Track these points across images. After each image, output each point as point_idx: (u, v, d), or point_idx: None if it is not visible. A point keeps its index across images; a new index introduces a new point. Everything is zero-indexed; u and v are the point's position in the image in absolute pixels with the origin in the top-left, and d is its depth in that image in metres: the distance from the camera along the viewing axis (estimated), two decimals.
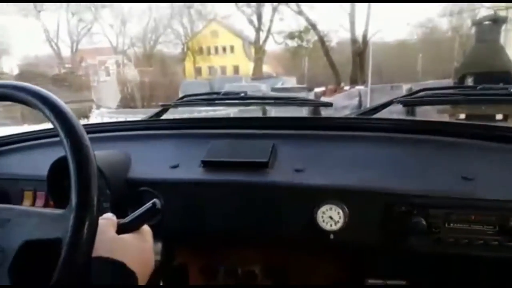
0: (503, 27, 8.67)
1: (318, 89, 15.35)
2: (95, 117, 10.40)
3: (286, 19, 26.86)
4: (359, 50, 21.10)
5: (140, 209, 0.59)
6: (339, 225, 0.85)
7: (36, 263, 0.51)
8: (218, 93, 1.46)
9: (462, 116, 6.35)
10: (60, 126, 0.51)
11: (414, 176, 0.88)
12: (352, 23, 21.36)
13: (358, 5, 20.62)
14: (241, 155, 0.98)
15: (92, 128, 1.21)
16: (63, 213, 0.50)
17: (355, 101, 10.81)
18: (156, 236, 0.63)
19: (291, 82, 17.22)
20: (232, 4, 23.54)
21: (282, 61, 27.28)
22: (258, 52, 25.10)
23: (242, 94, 1.39)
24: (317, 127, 1.11)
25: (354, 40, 21.68)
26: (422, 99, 1.23)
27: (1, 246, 0.50)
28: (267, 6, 23.06)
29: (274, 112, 6.79)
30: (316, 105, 1.47)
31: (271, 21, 23.94)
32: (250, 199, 0.92)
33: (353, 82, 19.24)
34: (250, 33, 25.99)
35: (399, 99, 1.22)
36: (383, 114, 1.22)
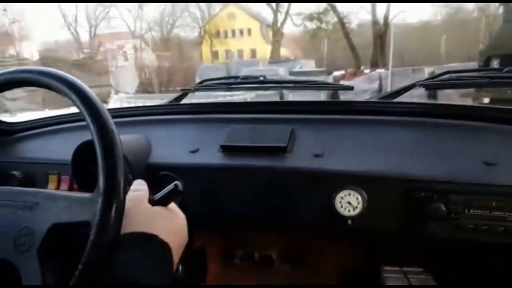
0: None
1: (337, 73, 15.12)
2: (114, 103, 10.52)
3: None
4: (380, 32, 20.59)
5: (163, 190, 0.60)
6: (357, 210, 0.85)
7: (64, 246, 0.53)
8: (237, 77, 1.46)
9: (486, 100, 6.16)
10: (87, 111, 0.52)
11: (434, 161, 0.86)
12: (374, 4, 20.79)
13: None
14: (260, 140, 0.98)
15: (113, 113, 1.23)
16: (91, 196, 0.51)
17: (375, 85, 10.61)
18: None
19: (309, 65, 17.00)
20: None
21: (301, 43, 26.90)
22: (276, 34, 24.78)
23: (261, 78, 1.38)
24: (336, 111, 1.10)
25: (375, 22, 21.15)
26: (446, 82, 1.20)
27: (30, 229, 0.52)
28: None
29: (291, 96, 6.75)
30: (337, 88, 1.45)
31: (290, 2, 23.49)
32: (268, 184, 0.93)
33: (374, 65, 18.85)
34: (268, 15, 25.64)
35: (422, 82, 1.19)
36: (404, 98, 1.20)
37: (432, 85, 1.25)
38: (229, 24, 27.17)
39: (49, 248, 0.51)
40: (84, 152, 0.91)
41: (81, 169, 0.93)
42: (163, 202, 0.59)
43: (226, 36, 27.78)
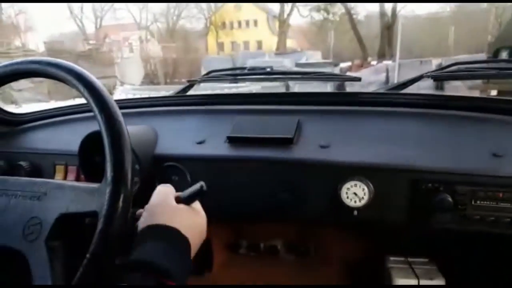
0: None
1: (343, 64, 15.01)
2: (119, 94, 10.55)
3: None
4: (388, 24, 20.34)
5: (189, 189, 0.62)
6: (363, 201, 0.85)
7: (72, 235, 0.53)
8: (243, 68, 1.45)
9: (494, 92, 6.10)
10: (95, 102, 0.53)
11: (441, 153, 0.86)
12: None
13: None
14: (266, 131, 0.98)
15: (120, 104, 1.23)
16: (99, 187, 0.52)
17: (382, 77, 10.53)
18: None
19: (316, 56, 16.84)
20: None
21: (307, 35, 26.66)
22: (282, 26, 24.56)
23: (268, 69, 1.38)
24: (343, 102, 1.09)
25: (383, 13, 20.89)
26: (454, 73, 1.18)
27: (39, 218, 0.53)
28: None
29: (297, 87, 6.72)
30: (344, 80, 1.43)
31: None
32: (274, 175, 0.93)
33: (381, 56, 18.68)
34: (274, 6, 25.39)
35: (430, 74, 1.18)
36: (411, 89, 1.19)
37: (440, 76, 1.23)
38: (235, 15, 26.99)
39: (57, 237, 0.52)
40: (91, 142, 0.91)
41: (88, 159, 0.93)
42: (188, 201, 0.61)
43: (232, 27, 27.61)
